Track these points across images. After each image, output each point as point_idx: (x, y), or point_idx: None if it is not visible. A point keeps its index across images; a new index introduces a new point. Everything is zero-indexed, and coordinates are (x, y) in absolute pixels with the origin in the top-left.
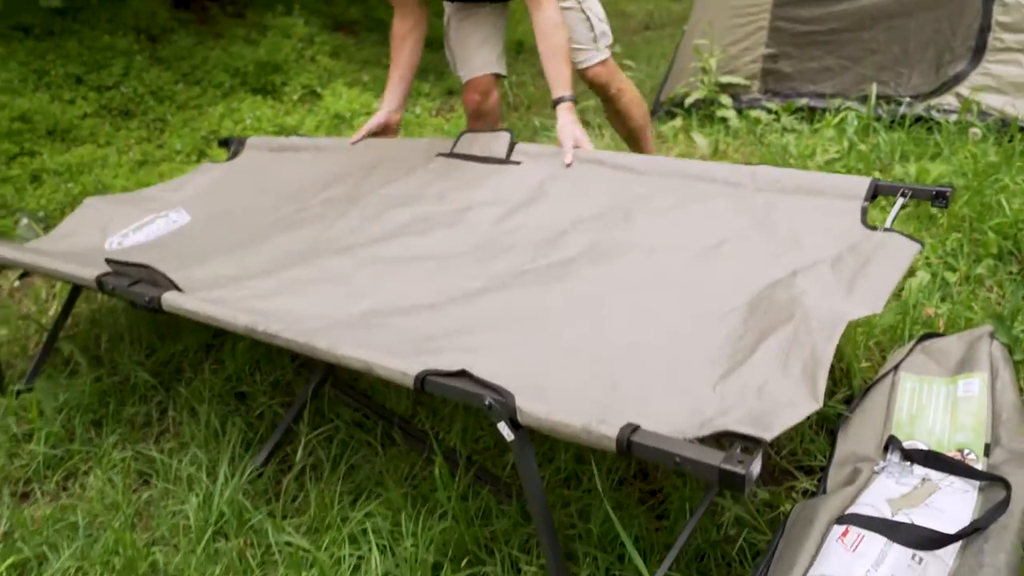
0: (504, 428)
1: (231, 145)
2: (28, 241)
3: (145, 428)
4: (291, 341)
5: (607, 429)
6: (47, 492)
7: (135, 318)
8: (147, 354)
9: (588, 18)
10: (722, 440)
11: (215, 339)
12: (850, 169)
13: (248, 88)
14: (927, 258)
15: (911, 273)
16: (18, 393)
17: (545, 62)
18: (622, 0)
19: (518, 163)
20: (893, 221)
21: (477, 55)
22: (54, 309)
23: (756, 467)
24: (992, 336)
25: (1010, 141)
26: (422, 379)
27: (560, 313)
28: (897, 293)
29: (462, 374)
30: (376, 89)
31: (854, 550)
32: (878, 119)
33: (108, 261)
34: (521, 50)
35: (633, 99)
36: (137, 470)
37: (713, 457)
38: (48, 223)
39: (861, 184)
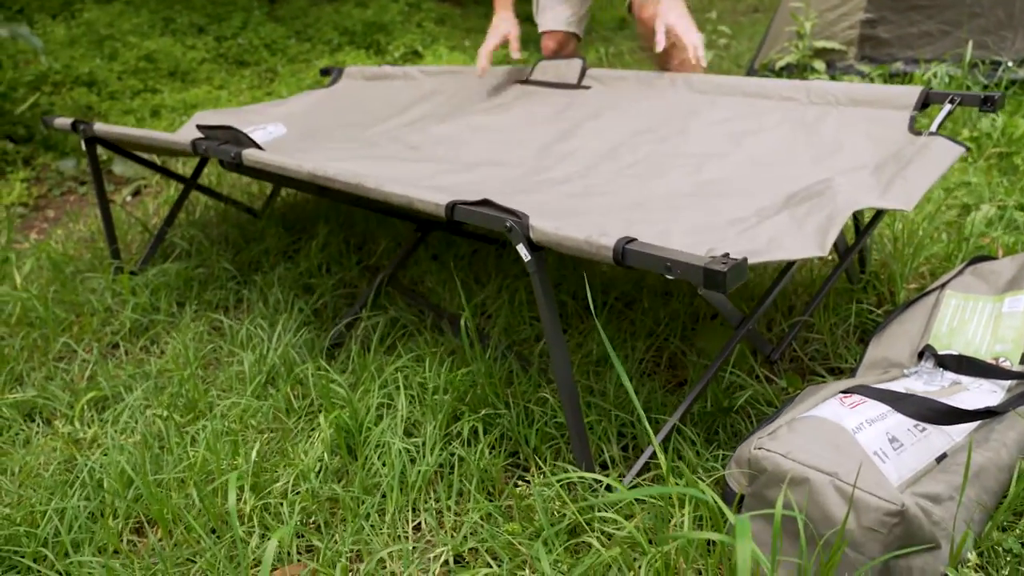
0: (522, 249)
1: (332, 73)
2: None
3: (223, 310)
4: (346, 183)
5: (606, 240)
6: (131, 353)
7: (227, 225)
8: (234, 253)
9: None
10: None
11: (294, 243)
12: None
13: (355, 45)
14: (1000, 199)
15: (975, 207)
16: (116, 272)
17: None
18: None
19: (588, 87)
20: (939, 126)
21: (555, 8)
22: (156, 220)
23: (739, 271)
24: None
25: None
26: (451, 207)
27: (599, 188)
28: (957, 225)
29: (485, 202)
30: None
31: (852, 408)
32: (975, 83)
33: (199, 127)
34: (623, 26)
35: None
36: (210, 342)
37: (698, 260)
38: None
39: (912, 93)
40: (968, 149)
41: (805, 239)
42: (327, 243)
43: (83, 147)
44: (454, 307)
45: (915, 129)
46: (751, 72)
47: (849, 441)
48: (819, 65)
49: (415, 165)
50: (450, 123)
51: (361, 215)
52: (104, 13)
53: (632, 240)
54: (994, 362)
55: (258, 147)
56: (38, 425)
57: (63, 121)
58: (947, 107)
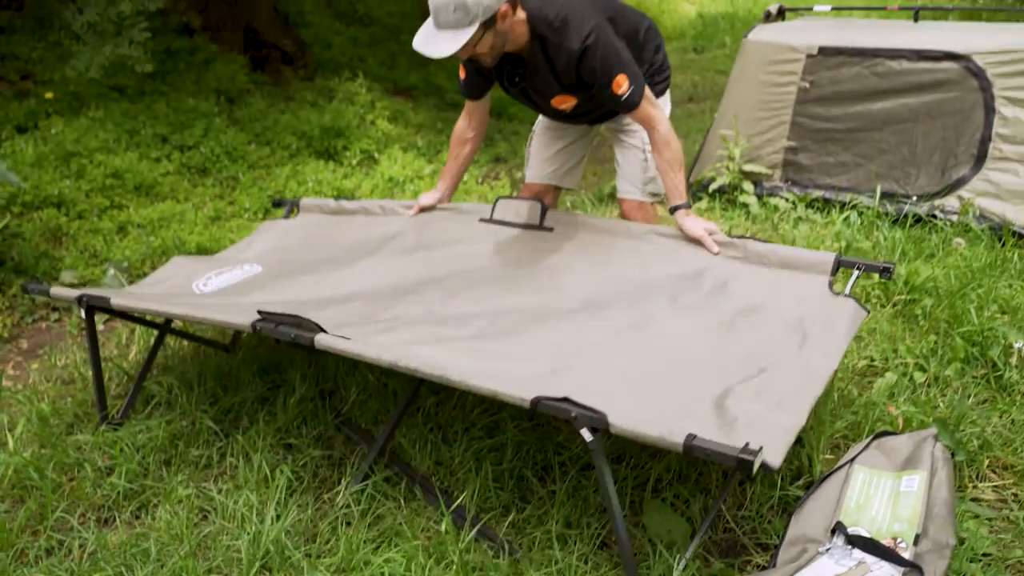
0: (585, 432)
1: (285, 205)
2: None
3: (207, 469)
4: (429, 374)
5: (676, 438)
6: (123, 518)
7: (203, 367)
8: (211, 402)
9: (647, 163)
10: None
11: (270, 392)
12: None
13: (312, 150)
14: (903, 357)
15: (880, 373)
16: (101, 420)
17: (662, 174)
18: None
19: (551, 229)
20: (851, 289)
21: (543, 165)
22: (133, 353)
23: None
24: (936, 438)
25: (1003, 246)
26: (536, 403)
27: (609, 349)
28: (862, 392)
29: (566, 400)
30: (428, 154)
31: None
32: (885, 215)
33: (260, 312)
34: None
35: None
36: (199, 506)
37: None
38: (131, 273)
39: (828, 259)
40: (868, 312)
41: (786, 411)
42: (302, 397)
43: (81, 314)
44: (424, 465)
45: (832, 290)
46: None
47: None
48: (748, 186)
49: (440, 328)
50: (425, 264)
51: (332, 360)
52: (71, 129)
53: (695, 437)
54: (892, 543)
55: (323, 330)
56: None
57: (64, 292)
58: (856, 273)
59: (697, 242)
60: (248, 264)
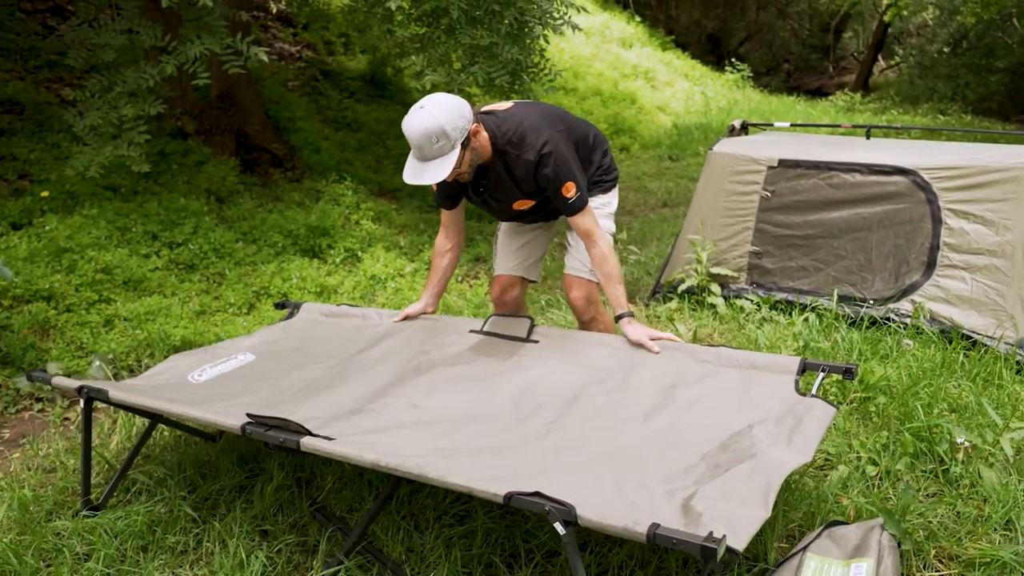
0: (558, 526)
1: (288, 307)
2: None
3: (183, 555)
4: (408, 472)
5: (640, 528)
6: None
7: (183, 455)
8: (190, 489)
9: None
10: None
11: (248, 480)
12: None
13: (298, 248)
14: (857, 452)
15: (835, 466)
16: (84, 516)
17: (603, 287)
18: (645, 178)
19: (536, 341)
20: (818, 389)
21: (509, 258)
22: (115, 442)
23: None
24: (882, 527)
25: (951, 347)
26: (509, 497)
27: (585, 451)
28: (817, 485)
29: (537, 494)
30: (411, 253)
31: None
32: (844, 317)
33: (249, 415)
34: None
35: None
36: None
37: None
38: (116, 364)
39: (794, 362)
40: (838, 409)
41: (753, 500)
42: (279, 485)
43: (81, 404)
44: (396, 551)
45: (799, 390)
46: (657, 288)
47: None
48: (715, 288)
49: (422, 426)
50: (430, 375)
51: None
52: (64, 226)
53: (658, 526)
54: None
55: (309, 432)
56: None
57: (66, 382)
58: (821, 375)
59: (639, 345)
60: (242, 354)
